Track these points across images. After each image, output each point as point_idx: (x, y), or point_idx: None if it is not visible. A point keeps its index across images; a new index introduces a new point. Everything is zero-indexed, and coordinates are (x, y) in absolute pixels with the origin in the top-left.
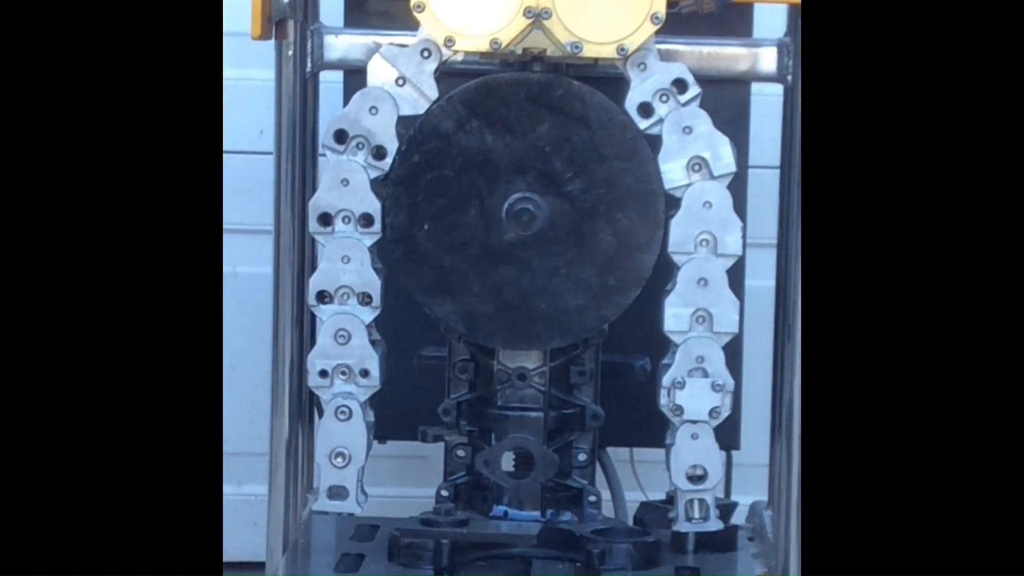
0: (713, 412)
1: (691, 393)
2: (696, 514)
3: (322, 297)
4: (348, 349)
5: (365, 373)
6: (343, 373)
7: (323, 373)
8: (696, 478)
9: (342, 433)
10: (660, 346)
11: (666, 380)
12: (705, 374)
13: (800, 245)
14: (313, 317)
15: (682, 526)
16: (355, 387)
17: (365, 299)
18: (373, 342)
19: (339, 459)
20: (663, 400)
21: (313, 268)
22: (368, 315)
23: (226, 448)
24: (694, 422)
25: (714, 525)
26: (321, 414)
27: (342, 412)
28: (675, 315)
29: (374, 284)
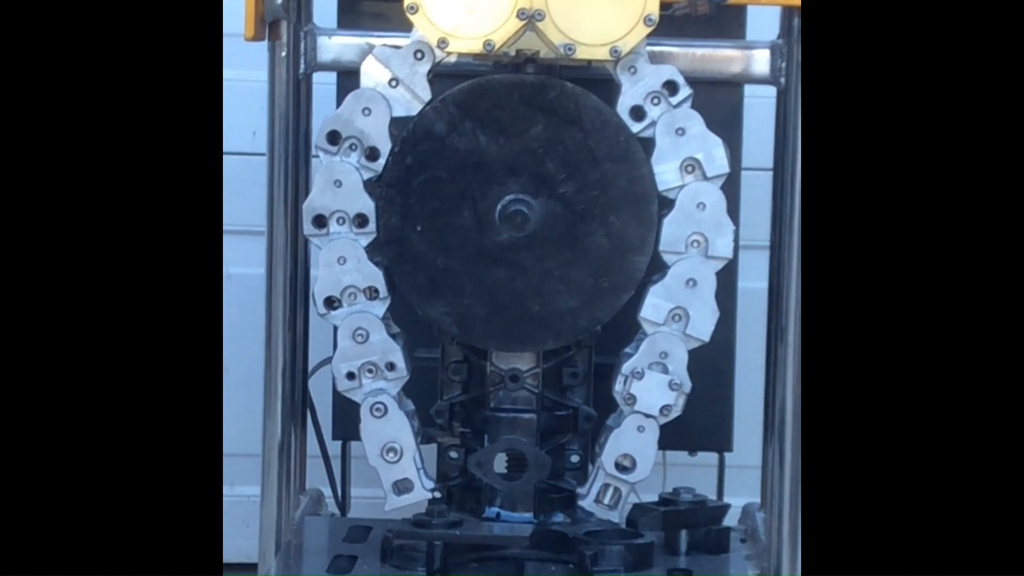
0: (664, 409)
1: (647, 386)
2: (606, 500)
3: (330, 303)
4: (369, 347)
5: (391, 366)
6: (370, 371)
7: (350, 375)
8: (623, 467)
9: (384, 429)
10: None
11: (625, 368)
12: (665, 370)
13: (796, 247)
14: (306, 318)
15: (587, 504)
16: (384, 382)
17: (372, 293)
18: (393, 335)
19: (391, 454)
20: (618, 387)
21: (306, 269)
22: (380, 308)
23: None
24: (644, 415)
25: (616, 517)
26: (312, 418)
27: (377, 409)
28: (654, 305)
29: (377, 277)
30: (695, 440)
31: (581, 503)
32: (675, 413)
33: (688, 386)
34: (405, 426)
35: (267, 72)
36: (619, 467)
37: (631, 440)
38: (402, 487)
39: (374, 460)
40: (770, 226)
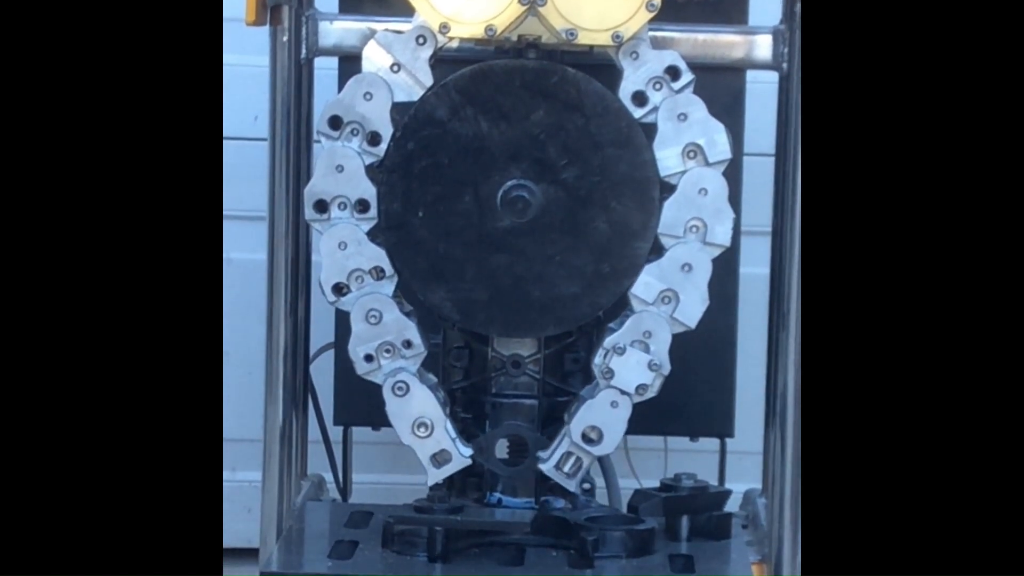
0: (640, 388)
1: (626, 362)
2: (566, 468)
3: (339, 289)
4: (383, 327)
5: (408, 344)
6: (387, 351)
7: (368, 358)
8: (589, 439)
9: (410, 406)
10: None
11: (608, 342)
12: (647, 349)
13: (798, 233)
14: (308, 303)
15: (546, 467)
16: (403, 360)
17: (379, 274)
18: (406, 313)
19: (422, 429)
20: (597, 359)
21: (308, 255)
22: (388, 287)
23: None
24: (620, 391)
25: (572, 485)
26: (314, 404)
27: (399, 388)
28: (646, 283)
29: (380, 256)
30: (696, 426)
31: (540, 466)
32: (650, 394)
33: (667, 368)
34: (431, 399)
35: (268, 57)
36: (585, 438)
37: (602, 413)
38: (440, 459)
39: (407, 438)
40: (772, 212)
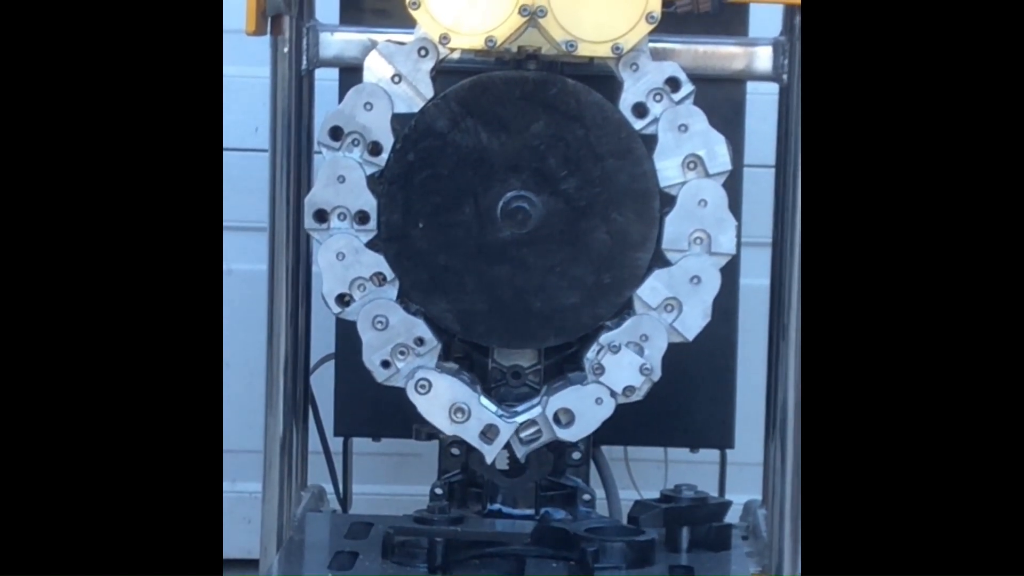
0: (627, 390)
1: (619, 362)
2: (524, 434)
3: (342, 300)
4: (392, 330)
5: (420, 341)
6: (401, 352)
7: (385, 364)
8: (559, 421)
9: (438, 398)
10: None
11: (604, 338)
12: (641, 352)
13: (798, 244)
14: (308, 314)
15: (502, 424)
16: (418, 358)
17: (380, 280)
18: (413, 312)
19: (459, 414)
20: (590, 354)
21: (308, 265)
22: (391, 291)
23: None
24: (608, 389)
25: (520, 452)
26: (314, 414)
27: (422, 387)
28: (653, 288)
29: (380, 262)
30: (696, 437)
31: (504, 420)
32: (636, 397)
33: (658, 375)
34: (457, 384)
35: (269, 68)
36: (556, 417)
37: (584, 404)
38: (491, 434)
39: (449, 428)
40: (772, 223)
